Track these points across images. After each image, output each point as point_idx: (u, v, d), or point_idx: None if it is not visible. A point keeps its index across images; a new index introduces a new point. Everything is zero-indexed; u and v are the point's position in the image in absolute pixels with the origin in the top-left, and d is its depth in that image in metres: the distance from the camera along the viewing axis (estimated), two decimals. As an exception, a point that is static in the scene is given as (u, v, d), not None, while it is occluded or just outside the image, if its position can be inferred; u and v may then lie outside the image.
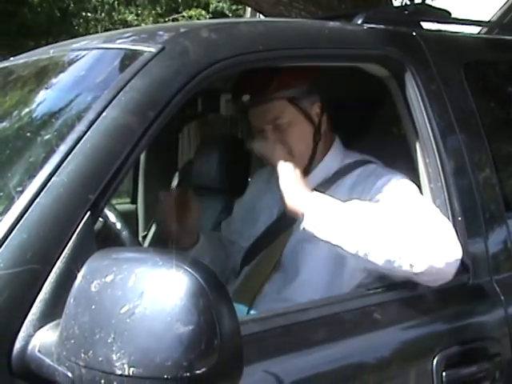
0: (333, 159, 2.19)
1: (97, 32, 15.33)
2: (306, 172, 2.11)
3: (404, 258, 1.70)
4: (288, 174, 1.95)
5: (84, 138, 1.44)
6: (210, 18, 16.80)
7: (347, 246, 1.74)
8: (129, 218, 3.54)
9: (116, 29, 11.96)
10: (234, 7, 17.24)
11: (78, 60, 1.93)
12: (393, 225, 1.72)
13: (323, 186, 2.12)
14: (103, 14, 17.14)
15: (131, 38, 1.88)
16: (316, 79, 2.13)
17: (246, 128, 2.31)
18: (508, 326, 1.93)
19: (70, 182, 1.38)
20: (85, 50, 1.96)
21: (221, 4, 17.66)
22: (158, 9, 17.39)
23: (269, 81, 2.05)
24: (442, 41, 2.25)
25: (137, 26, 15.70)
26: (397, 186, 1.96)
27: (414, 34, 2.12)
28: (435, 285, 1.78)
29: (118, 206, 3.24)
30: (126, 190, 3.98)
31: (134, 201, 3.91)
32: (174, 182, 3.50)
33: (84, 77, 1.79)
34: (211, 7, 17.69)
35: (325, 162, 2.18)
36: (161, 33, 1.83)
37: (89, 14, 17.16)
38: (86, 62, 1.90)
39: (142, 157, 3.74)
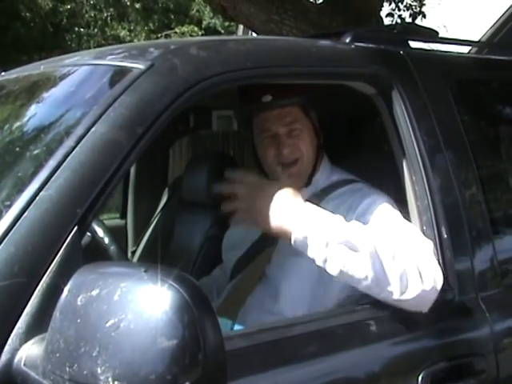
0: (322, 175, 2.21)
1: (89, 47, 15.36)
2: (308, 182, 2.18)
3: (383, 287, 1.71)
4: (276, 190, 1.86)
5: (72, 153, 1.45)
6: (202, 34, 16.87)
7: (330, 268, 1.73)
8: (118, 233, 3.54)
9: (109, 44, 12.01)
10: (226, 24, 17.30)
11: (68, 76, 1.94)
12: (377, 252, 1.72)
13: (311, 201, 2.14)
14: (96, 30, 17.17)
15: (121, 55, 1.89)
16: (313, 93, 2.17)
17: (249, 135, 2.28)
18: (493, 343, 1.93)
19: (58, 197, 1.39)
20: (75, 65, 1.97)
21: (213, 21, 17.72)
22: (151, 25, 17.44)
23: (289, 85, 2.08)
24: (429, 60, 2.28)
25: (129, 41, 15.74)
26: (381, 208, 1.98)
27: (401, 52, 2.14)
28: (414, 310, 1.79)
29: (107, 221, 3.25)
30: (116, 205, 3.98)
31: (123, 216, 3.92)
32: (164, 198, 3.51)
33: (74, 92, 1.80)
34: (204, 24, 17.75)
35: (315, 177, 2.21)
36: (150, 50, 1.84)
37: (82, 30, 17.18)
38: (75, 77, 1.91)
39: (132, 172, 3.74)
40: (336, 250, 1.70)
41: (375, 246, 1.72)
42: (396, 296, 1.72)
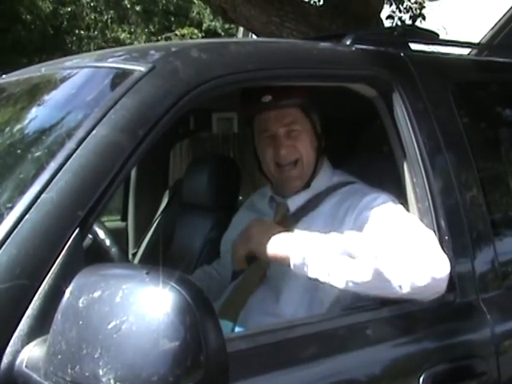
0: (322, 177, 2.21)
1: (90, 49, 15.36)
2: (307, 184, 2.19)
3: (391, 283, 1.72)
4: (259, 228, 1.98)
5: (74, 156, 1.45)
6: (202, 36, 16.85)
7: (335, 282, 1.75)
8: (119, 236, 3.54)
9: (109, 47, 12.00)
10: (226, 26, 17.32)
11: (69, 78, 1.95)
12: (378, 252, 1.73)
13: (312, 202, 2.15)
14: (96, 32, 17.15)
15: (122, 57, 1.90)
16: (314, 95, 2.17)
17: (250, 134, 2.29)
18: (494, 345, 1.93)
19: (60, 199, 1.39)
20: (76, 68, 1.97)
21: (213, 23, 17.72)
22: (151, 27, 17.44)
23: (290, 86, 2.09)
24: (430, 62, 2.28)
25: (130, 44, 15.74)
26: (383, 203, 1.99)
27: (402, 54, 2.14)
28: (428, 299, 1.80)
29: (108, 224, 3.25)
30: (117, 207, 3.98)
31: (124, 218, 3.92)
32: (165, 200, 3.51)
33: (75, 95, 1.80)
34: (204, 26, 17.75)
35: (316, 180, 2.21)
36: (151, 52, 1.85)
37: (82, 32, 17.15)
38: (77, 80, 1.91)
39: (133, 174, 3.74)
40: (336, 262, 1.72)
41: (375, 249, 1.73)
42: (406, 290, 1.72)
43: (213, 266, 2.51)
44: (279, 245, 1.86)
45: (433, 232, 1.88)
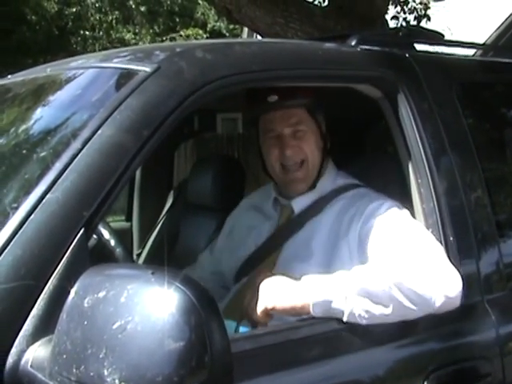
0: (327, 179, 2.21)
1: (95, 50, 15.38)
2: (313, 186, 2.18)
3: (411, 309, 1.71)
4: (273, 285, 1.83)
5: (79, 156, 1.45)
6: (207, 37, 16.86)
7: (358, 321, 1.71)
8: (124, 236, 3.54)
9: (114, 47, 12.01)
10: (231, 27, 17.32)
11: (74, 79, 1.95)
12: (392, 279, 1.71)
13: (317, 205, 2.14)
14: (101, 33, 17.16)
15: (127, 58, 1.90)
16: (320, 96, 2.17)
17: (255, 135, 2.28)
18: (499, 346, 1.93)
19: (65, 199, 1.39)
20: (81, 68, 1.98)
21: (218, 24, 17.73)
22: (156, 28, 17.46)
23: (296, 86, 2.08)
24: (435, 62, 2.28)
25: (134, 44, 15.74)
26: (388, 211, 1.98)
27: (407, 55, 2.14)
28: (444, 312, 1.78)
29: (113, 224, 3.25)
30: (122, 207, 3.98)
31: (128, 218, 3.92)
32: (169, 200, 3.51)
33: (80, 95, 1.81)
34: (208, 27, 17.75)
35: (322, 181, 2.21)
36: (156, 52, 1.85)
37: (87, 33, 17.16)
38: (82, 80, 1.91)
39: (138, 174, 3.75)
40: (355, 301, 1.69)
41: (389, 277, 1.71)
42: (424, 313, 1.73)
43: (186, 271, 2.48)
44: (296, 295, 1.77)
45: (439, 244, 1.86)
